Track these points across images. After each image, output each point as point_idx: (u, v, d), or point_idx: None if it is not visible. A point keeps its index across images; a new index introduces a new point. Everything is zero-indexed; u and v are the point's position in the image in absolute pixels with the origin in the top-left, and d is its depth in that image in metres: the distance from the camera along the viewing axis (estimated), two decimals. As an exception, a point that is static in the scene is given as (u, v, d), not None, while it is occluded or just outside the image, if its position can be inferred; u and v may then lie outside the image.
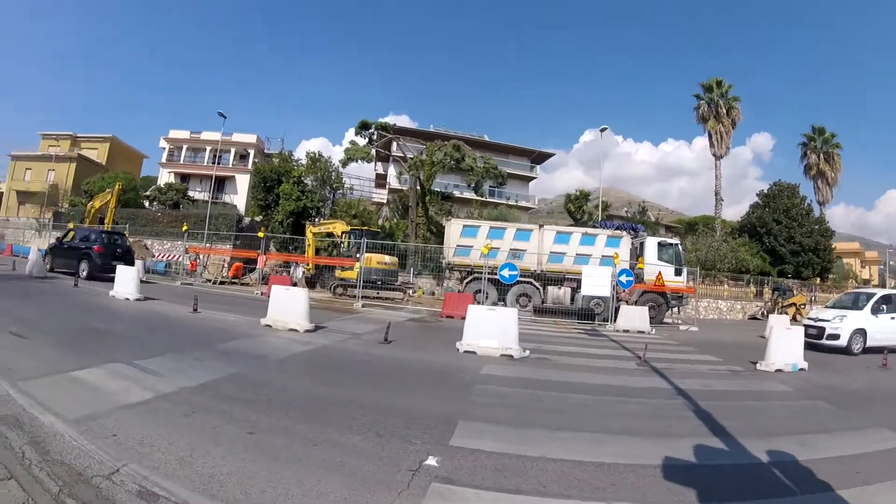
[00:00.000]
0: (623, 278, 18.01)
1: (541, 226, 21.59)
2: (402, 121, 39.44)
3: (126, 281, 14.72)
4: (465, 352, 9.72)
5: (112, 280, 15.23)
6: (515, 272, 17.61)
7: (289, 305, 11.15)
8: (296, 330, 10.71)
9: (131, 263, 18.38)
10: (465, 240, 20.50)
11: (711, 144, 40.83)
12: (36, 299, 13.04)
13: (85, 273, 19.58)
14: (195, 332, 10.27)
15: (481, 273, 19.27)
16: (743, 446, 5.17)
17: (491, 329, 9.90)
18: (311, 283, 25.01)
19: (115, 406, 4.94)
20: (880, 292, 16.02)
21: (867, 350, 14.09)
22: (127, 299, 14.06)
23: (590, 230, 22.06)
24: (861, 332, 14.35)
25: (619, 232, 21.78)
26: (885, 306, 14.95)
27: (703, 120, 41.21)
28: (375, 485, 3.64)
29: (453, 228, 21.09)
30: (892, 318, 14.71)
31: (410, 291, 23.33)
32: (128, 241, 24.98)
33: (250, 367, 7.25)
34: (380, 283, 21.55)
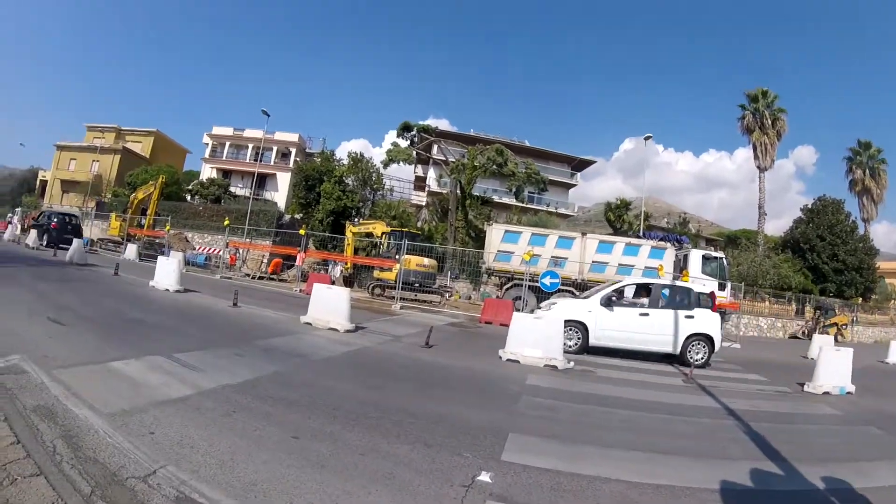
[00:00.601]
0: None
1: (583, 234, 21.18)
2: (442, 124, 39.55)
3: (167, 272, 14.79)
4: (508, 360, 9.45)
5: (65, 249, 20.00)
6: (557, 280, 17.27)
7: (330, 304, 11.04)
8: (336, 329, 10.60)
9: (80, 237, 25.57)
10: (506, 245, 20.19)
11: (756, 157, 39.69)
12: (75, 286, 13.09)
13: (45, 241, 27.71)
14: (235, 326, 10.22)
15: (521, 280, 19.00)
16: (798, 471, 4.96)
17: (535, 338, 9.61)
18: (348, 282, 24.97)
19: (153, 401, 4.81)
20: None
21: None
22: (167, 290, 14.14)
23: (633, 240, 21.58)
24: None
25: (663, 243, 21.25)
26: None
27: (747, 131, 40.11)
28: (427, 500, 3.47)
29: (494, 233, 20.79)
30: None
31: (448, 295, 23.15)
32: (79, 221, 34.04)
33: (292, 367, 7.11)
34: (418, 285, 21.35)
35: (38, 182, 66.50)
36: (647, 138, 33.79)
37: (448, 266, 26.40)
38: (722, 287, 21.17)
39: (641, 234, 24.81)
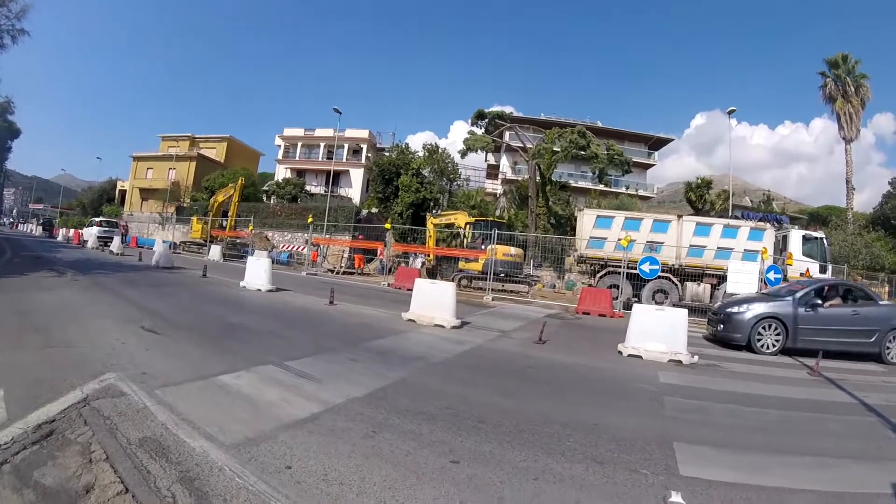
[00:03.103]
0: (771, 275, 16.21)
1: (679, 216, 19.97)
2: (508, 111, 38.36)
3: (258, 272, 14.75)
4: (630, 355, 8.77)
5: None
6: (657, 266, 16.32)
7: (434, 300, 10.61)
8: (442, 326, 10.15)
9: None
10: (599, 231, 19.19)
11: (840, 127, 36.90)
12: (165, 290, 13.05)
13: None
14: (338, 326, 9.84)
15: (615, 266, 18.11)
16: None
17: (658, 331, 8.85)
18: (431, 274, 24.60)
19: (279, 424, 4.24)
20: None
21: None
22: (259, 290, 14.10)
23: (732, 221, 20.20)
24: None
25: (762, 224, 19.82)
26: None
27: (829, 100, 37.31)
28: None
29: (586, 219, 19.78)
30: None
31: (538, 285, 22.49)
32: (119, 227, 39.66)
33: (414, 372, 6.54)
34: (504, 275, 20.70)
35: (116, 192, 69.50)
36: (730, 112, 31.14)
37: (531, 254, 25.72)
38: (823, 269, 19.67)
39: (743, 214, 23.37)
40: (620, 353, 8.98)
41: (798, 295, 11.27)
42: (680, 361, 8.51)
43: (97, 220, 41.02)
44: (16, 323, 7.43)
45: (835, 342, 10.83)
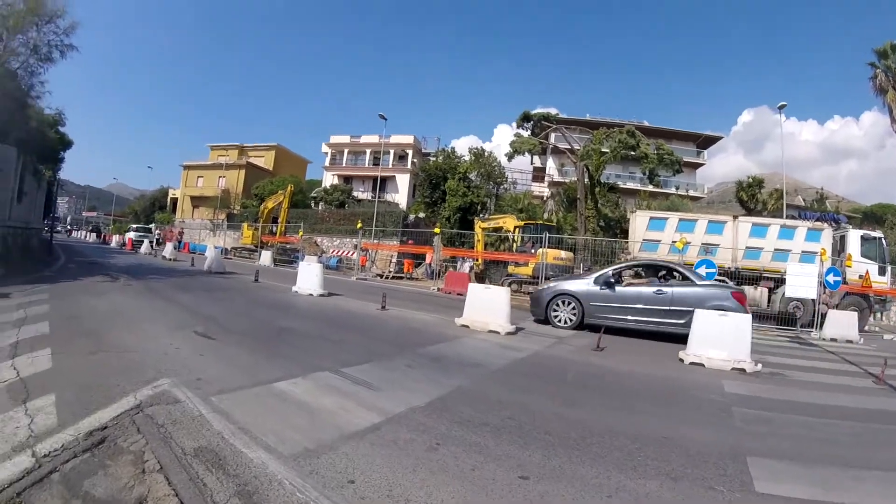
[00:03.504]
0: (830, 278, 15.55)
1: (735, 217, 19.47)
2: (553, 112, 37.93)
3: (310, 276, 14.81)
4: (691, 363, 8.48)
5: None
6: (714, 270, 15.88)
7: (489, 305, 10.44)
8: (497, 332, 9.95)
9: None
10: (652, 233, 18.82)
11: (893, 120, 34.91)
12: (217, 295, 13.15)
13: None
14: (391, 332, 9.77)
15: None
16: None
17: (721, 338, 8.50)
18: (479, 278, 24.53)
19: (339, 434, 4.05)
20: None
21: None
22: (311, 295, 14.15)
23: (789, 222, 19.59)
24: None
25: (819, 224, 19.22)
26: None
27: (880, 91, 35.17)
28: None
29: (639, 221, 19.45)
30: None
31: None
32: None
33: (473, 380, 6.34)
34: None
35: (168, 200, 71.88)
36: (780, 108, 29.86)
37: (580, 258, 25.45)
38: (882, 271, 18.92)
39: (801, 214, 22.64)
40: (681, 360, 8.64)
41: (596, 275, 12.01)
42: (743, 370, 8.15)
43: (133, 226, 44.66)
44: (68, 327, 7.47)
45: (634, 320, 11.29)
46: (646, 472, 3.86)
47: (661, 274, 12.40)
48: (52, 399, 4.28)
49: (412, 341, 8.71)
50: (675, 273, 12.08)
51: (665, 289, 11.32)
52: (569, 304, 11.87)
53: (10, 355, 5.63)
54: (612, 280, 11.75)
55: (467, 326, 10.42)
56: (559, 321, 11.83)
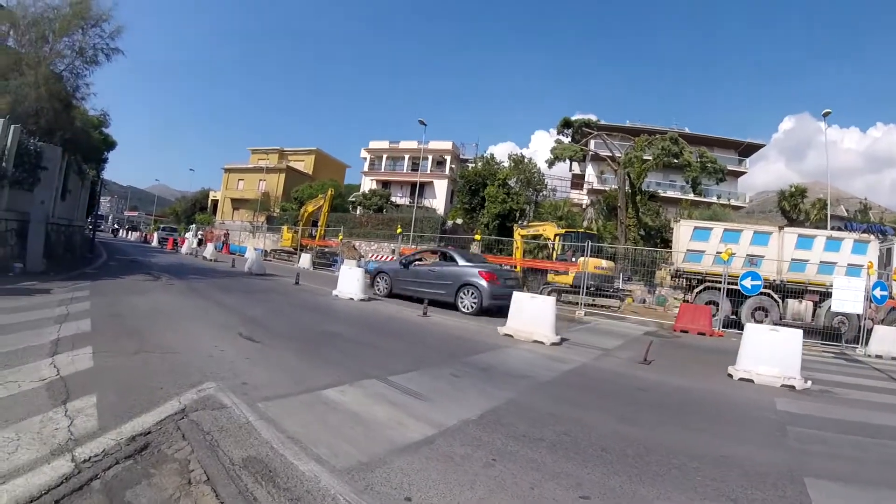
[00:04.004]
0: (877, 292, 15.01)
1: (780, 228, 19.03)
2: (594, 119, 37.46)
3: (350, 281, 14.88)
4: (741, 379, 8.28)
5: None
6: (759, 282, 15.52)
7: (533, 315, 10.27)
8: (541, 342, 9.78)
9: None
10: (696, 244, 18.41)
11: None
12: (259, 297, 13.16)
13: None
14: (435, 339, 9.64)
15: (714, 281, 17.40)
16: None
17: (772, 354, 8.26)
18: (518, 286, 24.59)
19: (392, 447, 3.91)
20: None
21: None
22: (351, 299, 14.14)
23: (835, 233, 18.98)
24: None
25: (866, 236, 18.53)
26: None
27: None
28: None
29: (683, 231, 19.04)
30: None
31: (628, 299, 22.01)
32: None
33: (523, 392, 6.19)
34: (594, 289, 20.14)
35: (209, 201, 73.24)
36: (825, 115, 28.79)
37: (619, 268, 25.18)
38: (930, 285, 18.12)
39: (844, 226, 22.04)
40: (730, 376, 8.44)
41: (401, 258, 17.29)
42: (793, 387, 7.96)
43: (161, 226, 47.68)
44: (110, 325, 7.43)
45: (420, 291, 14.70)
46: (706, 493, 3.79)
47: (441, 257, 15.75)
48: (92, 400, 4.20)
49: (457, 350, 8.63)
50: (447, 256, 15.39)
51: (436, 268, 15.07)
52: (384, 278, 16.17)
53: (51, 352, 5.59)
54: (409, 262, 15.99)
55: (511, 336, 10.28)
56: (378, 290, 16.08)
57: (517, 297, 10.99)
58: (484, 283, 13.61)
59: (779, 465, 4.60)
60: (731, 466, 4.39)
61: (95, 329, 7.02)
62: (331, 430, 4.15)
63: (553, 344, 9.90)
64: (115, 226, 67.27)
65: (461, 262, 14.66)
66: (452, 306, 13.94)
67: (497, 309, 13.04)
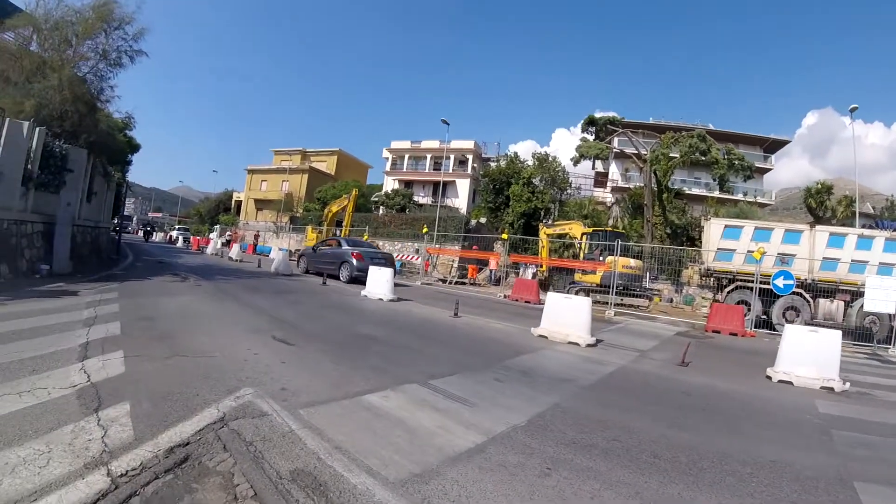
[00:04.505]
0: None
1: (812, 226, 18.74)
2: (619, 117, 36.96)
3: (380, 281, 14.88)
4: (780, 381, 8.20)
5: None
6: (791, 281, 15.29)
7: (568, 316, 10.19)
8: (577, 344, 9.71)
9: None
10: (727, 242, 18.13)
11: None
12: (289, 298, 13.11)
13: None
14: (469, 341, 9.53)
15: (745, 281, 17.21)
16: None
17: (810, 355, 8.20)
18: (543, 285, 24.37)
19: (443, 456, 3.79)
20: None
21: None
22: (381, 300, 14.15)
23: (866, 232, 18.63)
24: None
25: (897, 234, 18.23)
26: None
27: None
28: None
29: (713, 229, 18.75)
30: None
31: (656, 298, 21.86)
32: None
33: (567, 396, 6.09)
34: (623, 288, 19.79)
35: (232, 202, 73.83)
36: (852, 110, 27.69)
37: (646, 266, 25.00)
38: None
39: (875, 223, 21.59)
40: (769, 377, 8.39)
41: (313, 245, 24.37)
42: (832, 389, 7.90)
43: (177, 226, 54.73)
44: (141, 329, 7.29)
45: (321, 267, 20.74)
46: (763, 500, 3.78)
47: (336, 243, 21.87)
48: (126, 408, 4.07)
49: (494, 352, 8.54)
50: (338, 242, 21.86)
51: (329, 251, 21.38)
52: (304, 260, 22.91)
53: (81, 357, 5.46)
54: (316, 248, 22.77)
55: (545, 337, 10.22)
56: (299, 268, 22.76)
57: (551, 297, 10.95)
58: (354, 260, 19.34)
59: (828, 470, 4.57)
60: (782, 472, 4.37)
61: (125, 332, 6.94)
62: (378, 439, 4.01)
63: (589, 345, 9.83)
64: (148, 227, 66.80)
65: (344, 246, 20.91)
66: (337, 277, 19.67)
67: (358, 278, 18.09)
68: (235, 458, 3.41)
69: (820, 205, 36.40)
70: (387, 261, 20.06)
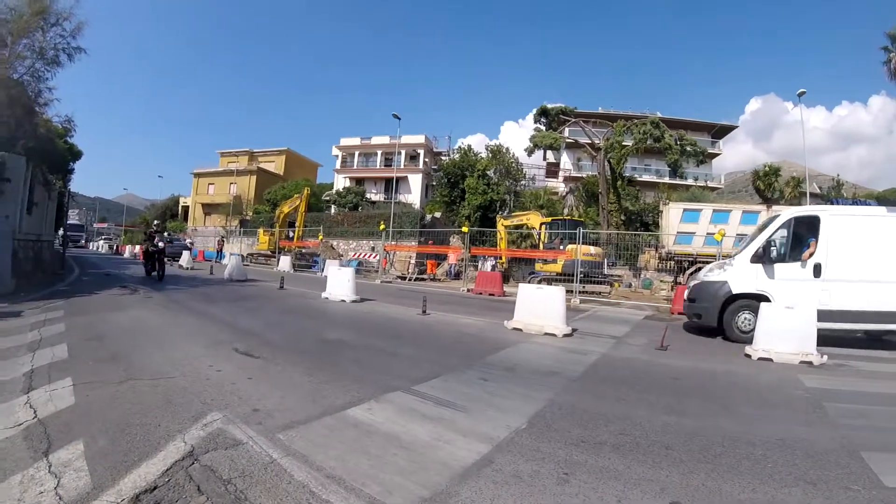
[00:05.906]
0: None
1: (768, 206, 19.16)
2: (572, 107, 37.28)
3: (341, 282, 14.37)
4: (760, 358, 8.18)
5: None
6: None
7: (542, 307, 9.94)
8: (553, 335, 9.47)
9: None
10: (686, 225, 18.52)
11: None
12: (247, 305, 12.56)
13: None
14: (443, 339, 9.16)
15: (705, 262, 17.48)
16: None
17: (788, 331, 8.21)
18: (503, 277, 24.36)
19: (450, 473, 3.38)
20: None
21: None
22: (343, 301, 13.72)
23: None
24: None
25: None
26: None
27: (894, 76, 34.60)
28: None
29: (672, 213, 19.01)
30: None
31: (616, 284, 21.94)
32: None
33: (558, 391, 5.78)
34: (584, 275, 20.02)
35: (179, 208, 72.26)
36: (799, 94, 28.39)
37: (605, 253, 25.18)
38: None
39: (829, 203, 22.19)
40: (748, 355, 8.37)
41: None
42: (811, 363, 7.98)
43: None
44: (89, 350, 6.70)
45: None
46: (784, 480, 3.66)
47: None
48: (80, 448, 3.49)
49: (471, 349, 8.19)
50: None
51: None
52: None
53: (25, 388, 4.84)
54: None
55: (520, 329, 9.97)
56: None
57: (523, 288, 10.68)
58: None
59: (832, 442, 4.53)
60: (793, 449, 4.29)
61: (73, 355, 6.32)
62: (373, 460, 3.54)
63: (565, 335, 9.63)
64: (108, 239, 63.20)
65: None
66: None
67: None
68: (214, 502, 2.89)
69: (768, 186, 37.50)
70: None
